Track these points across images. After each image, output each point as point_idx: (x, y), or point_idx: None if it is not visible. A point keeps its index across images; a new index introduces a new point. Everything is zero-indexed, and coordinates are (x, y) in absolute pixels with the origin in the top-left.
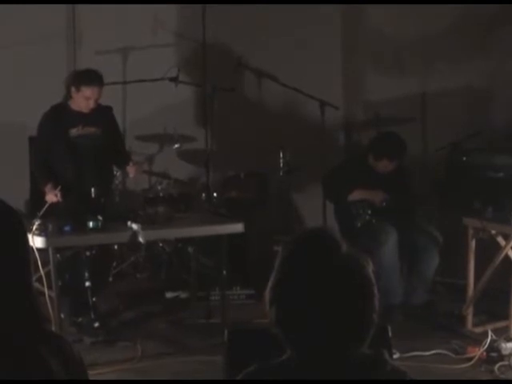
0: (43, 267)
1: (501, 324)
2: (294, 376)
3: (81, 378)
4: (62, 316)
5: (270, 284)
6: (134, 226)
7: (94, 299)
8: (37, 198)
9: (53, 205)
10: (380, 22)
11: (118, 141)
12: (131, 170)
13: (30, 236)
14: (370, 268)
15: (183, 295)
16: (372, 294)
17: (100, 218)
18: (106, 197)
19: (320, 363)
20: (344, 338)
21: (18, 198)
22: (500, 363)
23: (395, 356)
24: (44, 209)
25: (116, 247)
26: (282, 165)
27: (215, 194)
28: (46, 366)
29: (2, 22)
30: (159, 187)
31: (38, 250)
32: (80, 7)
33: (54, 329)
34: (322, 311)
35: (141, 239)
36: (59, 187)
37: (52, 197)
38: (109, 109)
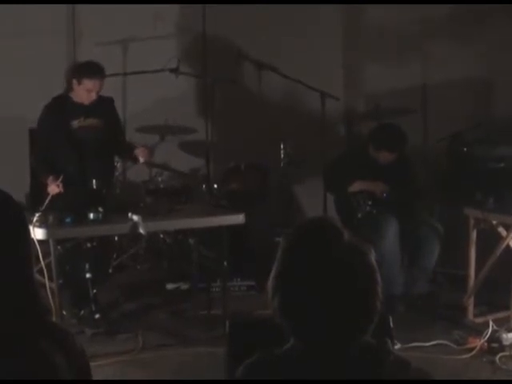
0: (44, 259)
1: (502, 314)
2: (296, 366)
3: (83, 370)
4: (64, 312)
5: (272, 274)
6: (135, 218)
7: (94, 291)
8: (37, 190)
9: (54, 197)
10: (380, 13)
11: (119, 132)
12: (143, 153)
13: (30, 228)
14: (373, 256)
15: (184, 287)
16: (375, 281)
17: (101, 209)
18: (107, 188)
19: (323, 352)
20: (348, 326)
21: (18, 191)
22: (501, 354)
23: (396, 347)
24: (47, 201)
25: (116, 239)
26: (282, 156)
27: (216, 186)
28: (47, 359)
29: (2, 15)
30: (160, 179)
31: (39, 241)
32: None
33: (54, 320)
34: (325, 300)
35: (141, 231)
36: (61, 177)
37: (54, 188)
38: (110, 100)
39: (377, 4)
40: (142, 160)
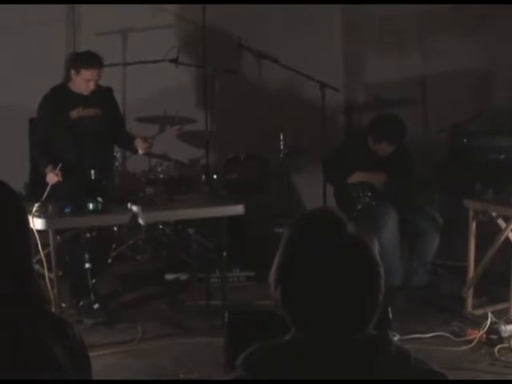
0: (43, 249)
1: (501, 306)
2: (297, 357)
3: (83, 360)
4: (63, 305)
5: (274, 265)
6: (134, 208)
7: (93, 281)
8: (36, 180)
9: (54, 187)
10: (380, 3)
11: (119, 121)
12: (142, 145)
13: (30, 218)
14: (376, 248)
15: (183, 277)
16: (378, 274)
17: (100, 199)
18: (106, 179)
19: (325, 344)
20: (350, 318)
21: (17, 181)
22: (500, 345)
23: (395, 338)
24: (47, 191)
25: (116, 229)
26: (282, 147)
27: (215, 176)
28: (47, 349)
29: (3, 4)
30: (159, 169)
31: (38, 231)
32: None
33: (53, 311)
34: (328, 292)
35: (141, 221)
36: (59, 166)
37: (53, 177)
38: (109, 90)
39: (377, 4)
40: (141, 152)
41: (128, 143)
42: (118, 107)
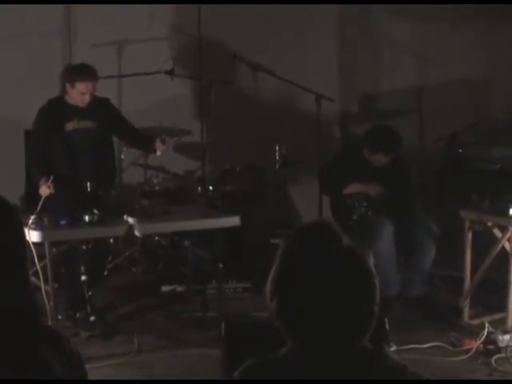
0: (39, 262)
1: (497, 316)
2: (293, 370)
3: (80, 373)
4: (59, 317)
5: (271, 276)
6: (131, 220)
7: (89, 293)
8: (32, 192)
9: (49, 199)
10: (376, 13)
11: (127, 125)
12: (160, 147)
13: (25, 230)
14: (371, 260)
15: (179, 289)
16: (373, 285)
17: (96, 211)
18: (104, 191)
19: (321, 356)
20: (346, 330)
21: (13, 193)
22: (497, 355)
23: (392, 348)
24: (40, 203)
25: (112, 241)
26: (278, 158)
27: (211, 188)
28: (44, 362)
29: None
30: (155, 181)
31: (34, 244)
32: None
33: (50, 323)
34: (324, 304)
35: (137, 233)
36: (51, 179)
37: (45, 189)
38: (106, 100)
39: (376, 4)
40: (159, 153)
41: (147, 143)
42: (119, 113)
